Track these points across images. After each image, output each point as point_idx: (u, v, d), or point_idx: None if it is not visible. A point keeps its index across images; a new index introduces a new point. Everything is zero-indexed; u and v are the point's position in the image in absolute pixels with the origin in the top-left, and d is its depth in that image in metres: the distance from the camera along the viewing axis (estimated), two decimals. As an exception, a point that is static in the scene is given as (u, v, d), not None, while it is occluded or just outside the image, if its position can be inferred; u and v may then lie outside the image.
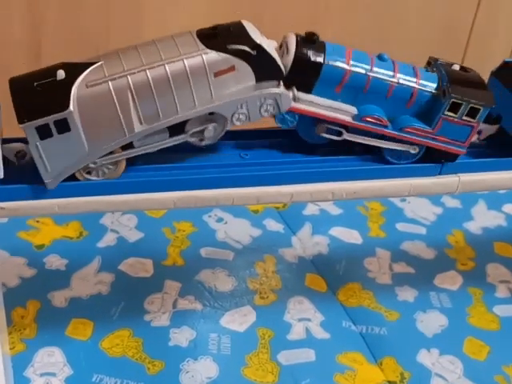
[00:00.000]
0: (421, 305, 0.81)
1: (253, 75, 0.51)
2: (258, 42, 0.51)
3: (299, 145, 0.57)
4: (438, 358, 0.74)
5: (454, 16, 1.07)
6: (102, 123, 0.48)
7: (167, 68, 0.49)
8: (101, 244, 0.86)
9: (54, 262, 0.82)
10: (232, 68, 0.50)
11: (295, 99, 0.53)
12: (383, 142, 0.56)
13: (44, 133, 0.46)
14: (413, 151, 0.57)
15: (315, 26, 1.01)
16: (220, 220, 0.93)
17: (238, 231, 0.91)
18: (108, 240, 0.87)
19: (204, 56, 0.49)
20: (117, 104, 0.48)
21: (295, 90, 0.53)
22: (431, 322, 0.78)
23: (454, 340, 0.76)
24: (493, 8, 1.08)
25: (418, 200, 1.01)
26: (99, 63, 0.49)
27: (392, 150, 0.56)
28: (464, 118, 0.55)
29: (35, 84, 0.47)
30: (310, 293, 0.81)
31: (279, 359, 0.72)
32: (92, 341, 0.72)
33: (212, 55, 0.49)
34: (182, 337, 0.74)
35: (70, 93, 0.47)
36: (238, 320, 0.77)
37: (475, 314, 0.80)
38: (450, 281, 0.85)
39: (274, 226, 0.93)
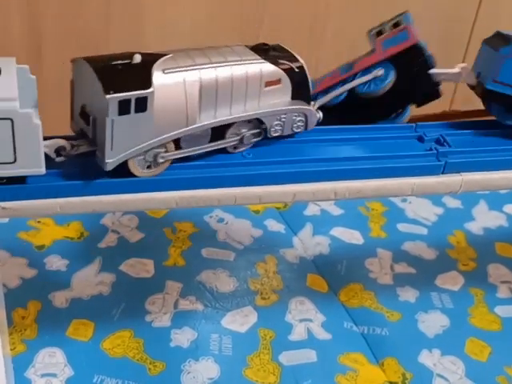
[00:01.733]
0: (422, 305, 0.81)
1: (290, 91, 0.55)
2: (302, 62, 0.55)
3: (300, 143, 0.57)
4: (439, 358, 0.74)
5: (455, 12, 1.07)
6: (170, 110, 0.50)
7: (232, 70, 0.52)
8: (101, 244, 0.86)
9: (55, 262, 0.82)
10: (279, 81, 0.54)
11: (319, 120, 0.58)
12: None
13: (123, 108, 0.47)
14: (380, 73, 0.61)
15: (315, 24, 1.01)
16: (221, 220, 0.92)
17: (238, 232, 0.91)
18: (109, 240, 0.87)
19: (261, 65, 0.53)
20: (187, 94, 0.50)
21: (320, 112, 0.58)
22: (433, 323, 0.78)
23: (456, 341, 0.76)
24: (495, 3, 1.08)
25: (419, 200, 1.00)
26: (170, 55, 0.50)
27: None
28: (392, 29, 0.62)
29: (113, 63, 0.48)
30: (312, 293, 0.81)
31: (280, 360, 0.72)
32: (93, 341, 0.72)
33: (267, 66, 0.53)
34: (183, 337, 0.73)
35: (151, 74, 0.48)
36: (239, 320, 0.76)
37: (477, 315, 0.80)
38: (451, 281, 0.85)
39: (274, 226, 0.92)
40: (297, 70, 0.55)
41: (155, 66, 0.49)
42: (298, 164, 0.55)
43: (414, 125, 0.62)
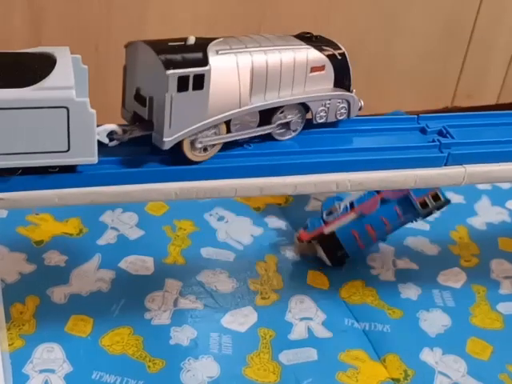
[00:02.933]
0: (424, 303, 0.80)
1: (333, 78, 0.57)
2: (343, 49, 0.57)
3: (302, 134, 0.56)
4: (441, 357, 0.73)
5: (457, 11, 1.06)
6: (224, 90, 0.51)
7: (280, 54, 0.53)
8: (101, 241, 0.85)
9: (54, 258, 0.81)
10: (323, 67, 0.56)
11: (361, 108, 0.59)
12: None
13: (182, 85, 0.48)
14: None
15: (317, 23, 1.01)
16: (221, 219, 0.92)
17: (239, 230, 0.90)
18: (108, 238, 0.86)
19: (308, 51, 0.55)
20: (239, 75, 0.51)
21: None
22: (434, 322, 0.77)
23: (457, 340, 0.75)
24: (496, 3, 1.08)
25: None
26: (221, 39, 0.52)
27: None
28: None
29: (170, 44, 0.50)
30: (312, 291, 0.80)
31: (281, 359, 0.71)
32: (92, 337, 0.71)
33: (313, 52, 0.55)
34: (182, 335, 0.73)
35: (207, 53, 0.50)
36: (239, 320, 0.76)
37: (478, 314, 0.79)
38: (453, 278, 0.84)
39: (275, 223, 0.91)
40: (339, 57, 0.57)
41: (209, 47, 0.50)
42: (299, 155, 0.55)
43: (416, 116, 0.61)
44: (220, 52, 0.50)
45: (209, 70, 0.49)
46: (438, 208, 0.82)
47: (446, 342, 0.75)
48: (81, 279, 0.79)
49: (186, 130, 0.50)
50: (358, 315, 0.78)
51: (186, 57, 0.49)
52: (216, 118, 0.51)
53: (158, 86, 0.49)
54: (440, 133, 0.59)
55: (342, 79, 0.57)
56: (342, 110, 0.58)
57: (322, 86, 0.56)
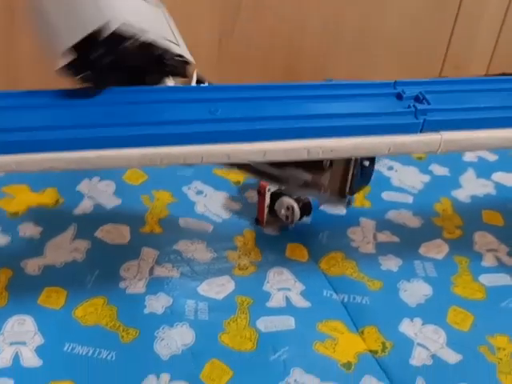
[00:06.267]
0: (405, 274, 0.79)
1: None
2: None
3: (272, 99, 0.54)
4: (420, 327, 0.72)
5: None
6: None
7: None
8: (77, 211, 0.84)
9: (29, 229, 0.80)
10: None
11: None
12: None
13: None
14: None
15: (301, 11, 0.98)
16: (200, 193, 0.90)
17: (217, 204, 0.88)
18: (84, 207, 0.85)
19: None
20: None
21: None
22: (415, 292, 0.76)
23: (438, 310, 0.74)
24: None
25: (405, 168, 0.98)
26: None
27: None
28: None
29: None
30: (291, 263, 0.79)
31: (258, 326, 0.70)
32: (65, 310, 0.70)
33: None
34: (157, 304, 0.72)
35: None
36: (216, 288, 0.75)
37: (460, 283, 0.78)
38: (435, 249, 0.83)
39: (254, 197, 0.90)
40: None
41: None
42: (268, 121, 0.53)
43: (393, 82, 0.59)
44: None
45: None
46: None
47: (427, 312, 0.74)
48: (55, 250, 0.77)
49: None
50: (337, 287, 0.77)
51: None
52: None
53: None
54: (416, 98, 0.57)
55: None
56: None
57: None
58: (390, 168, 0.98)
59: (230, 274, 0.77)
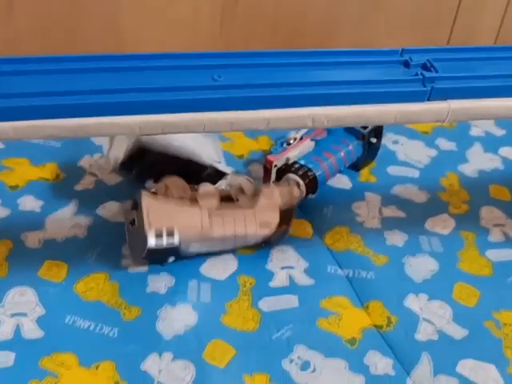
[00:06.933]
0: (410, 249, 0.78)
1: None
2: None
3: (276, 66, 0.53)
4: (426, 303, 0.71)
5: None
6: None
7: None
8: (78, 187, 0.83)
9: (29, 203, 0.79)
10: None
11: None
12: None
13: None
14: None
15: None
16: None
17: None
18: (85, 183, 0.83)
19: None
20: None
21: None
22: (420, 267, 0.75)
23: (444, 285, 0.73)
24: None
25: (411, 142, 0.96)
26: None
27: None
28: None
29: None
30: (295, 240, 0.78)
31: (260, 306, 0.69)
32: (66, 283, 0.70)
33: None
34: (160, 283, 0.71)
35: None
36: (219, 268, 0.73)
37: (466, 259, 0.77)
38: (441, 224, 0.82)
39: (259, 170, 0.88)
40: None
41: None
42: (272, 88, 0.51)
43: (400, 49, 0.58)
44: None
45: None
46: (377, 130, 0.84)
47: (432, 288, 0.73)
48: (56, 225, 0.76)
49: None
50: (341, 262, 0.76)
51: None
52: None
53: None
54: (424, 66, 0.56)
55: None
56: None
57: None
58: (396, 142, 0.96)
59: (233, 252, 0.76)
